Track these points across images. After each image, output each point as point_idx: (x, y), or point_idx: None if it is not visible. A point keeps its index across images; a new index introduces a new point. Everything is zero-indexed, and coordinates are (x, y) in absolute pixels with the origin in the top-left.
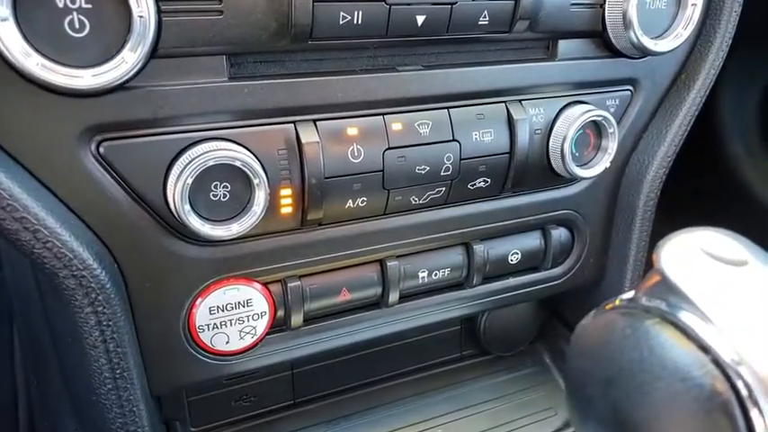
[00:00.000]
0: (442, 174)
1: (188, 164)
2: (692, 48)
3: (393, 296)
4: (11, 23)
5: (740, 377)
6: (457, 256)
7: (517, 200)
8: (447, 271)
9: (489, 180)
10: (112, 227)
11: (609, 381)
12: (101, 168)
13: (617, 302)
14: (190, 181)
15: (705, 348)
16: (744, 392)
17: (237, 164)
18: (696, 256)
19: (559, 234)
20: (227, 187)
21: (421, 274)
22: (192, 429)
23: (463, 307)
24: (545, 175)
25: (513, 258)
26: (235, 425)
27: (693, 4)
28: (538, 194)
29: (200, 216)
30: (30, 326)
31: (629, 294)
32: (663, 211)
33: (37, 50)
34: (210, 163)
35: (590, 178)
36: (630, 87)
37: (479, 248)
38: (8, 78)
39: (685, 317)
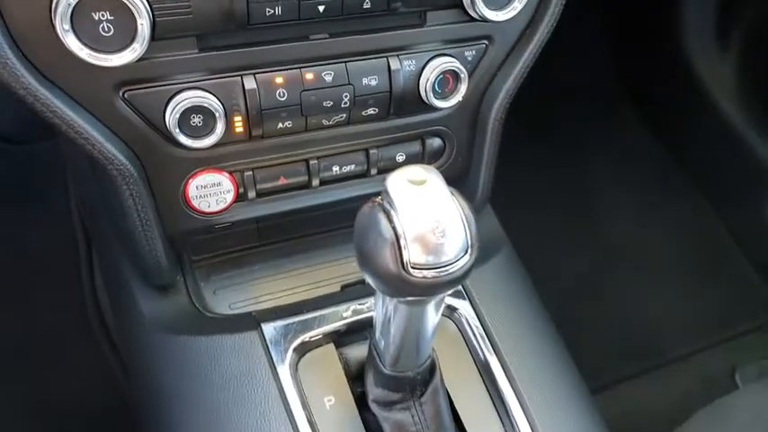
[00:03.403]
0: (342, 106)
1: (176, 105)
2: (535, 10)
3: (315, 182)
4: (71, 32)
5: (402, 236)
6: (359, 157)
7: (400, 120)
8: (352, 167)
9: (377, 109)
10: (137, 141)
11: (360, 236)
12: (126, 107)
13: (375, 198)
14: (177, 115)
15: (390, 219)
16: (402, 242)
17: (205, 104)
18: (402, 180)
19: (433, 142)
20: (201, 117)
21: (334, 168)
22: (194, 258)
23: (365, 188)
24: (418, 105)
25: (400, 159)
26: (220, 256)
27: None
28: (416, 116)
29: (185, 135)
30: (85, 186)
31: (380, 196)
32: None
33: (86, 45)
34: (189, 105)
35: (450, 107)
36: (486, 42)
37: (374, 153)
38: (72, 60)
39: (388, 206)
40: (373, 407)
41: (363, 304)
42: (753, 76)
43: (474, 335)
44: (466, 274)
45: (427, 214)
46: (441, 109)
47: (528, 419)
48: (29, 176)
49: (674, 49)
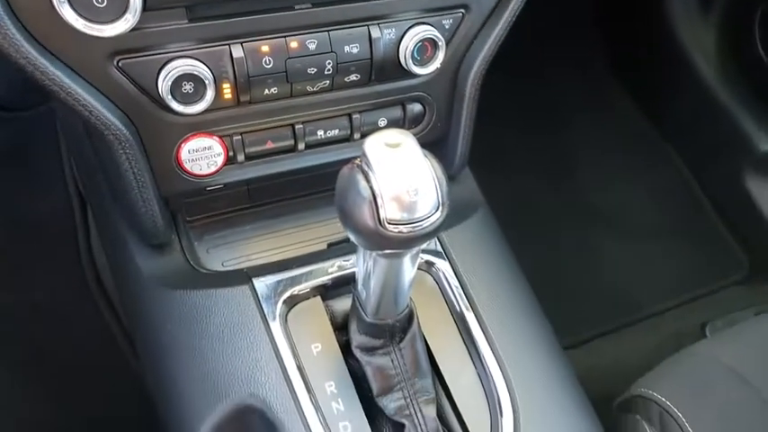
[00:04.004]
0: (325, 73)
1: (168, 73)
2: None
3: (300, 146)
4: (67, 3)
5: (379, 195)
6: (343, 122)
7: (382, 86)
8: (336, 131)
9: (359, 75)
10: (132, 107)
11: (340, 195)
12: (121, 75)
13: (354, 160)
14: (170, 83)
15: (368, 180)
16: (379, 201)
17: (196, 72)
18: (379, 143)
19: (413, 107)
20: (191, 84)
21: (319, 133)
22: (188, 218)
23: (349, 152)
24: (398, 71)
25: (382, 123)
26: (213, 217)
27: None
28: (396, 83)
29: (177, 101)
30: (81, 151)
31: (359, 159)
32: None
33: (81, 16)
34: (180, 72)
35: (429, 74)
36: (462, 10)
37: (357, 117)
38: (68, 30)
39: (366, 168)
40: (357, 352)
41: (348, 261)
42: (734, 45)
43: (450, 288)
44: (437, 229)
45: (402, 175)
46: (420, 75)
47: (499, 364)
48: (23, 142)
49: (658, 15)
